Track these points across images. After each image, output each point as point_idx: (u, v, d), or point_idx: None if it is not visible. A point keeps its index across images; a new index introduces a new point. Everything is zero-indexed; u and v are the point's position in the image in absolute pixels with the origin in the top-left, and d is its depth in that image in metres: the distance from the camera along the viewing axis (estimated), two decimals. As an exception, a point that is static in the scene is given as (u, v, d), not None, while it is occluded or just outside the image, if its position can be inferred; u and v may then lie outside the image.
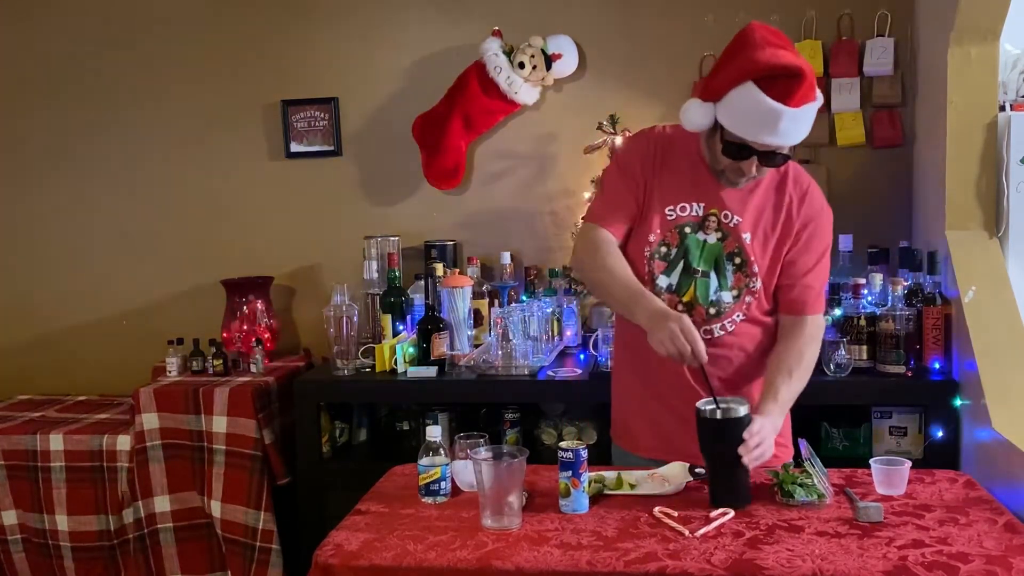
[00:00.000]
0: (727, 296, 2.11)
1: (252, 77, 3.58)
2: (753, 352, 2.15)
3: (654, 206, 2.14)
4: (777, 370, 2.08)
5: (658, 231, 2.13)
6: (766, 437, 1.92)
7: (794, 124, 1.93)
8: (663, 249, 2.14)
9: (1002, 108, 2.70)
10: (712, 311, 2.11)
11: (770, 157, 2.00)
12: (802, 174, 2.18)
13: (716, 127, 2.01)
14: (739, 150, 1.99)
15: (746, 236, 2.10)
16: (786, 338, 2.13)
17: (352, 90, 3.53)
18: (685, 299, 2.12)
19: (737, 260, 2.11)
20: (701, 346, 1.95)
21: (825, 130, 3.17)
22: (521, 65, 3.27)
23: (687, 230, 2.13)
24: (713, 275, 2.11)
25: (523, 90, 3.29)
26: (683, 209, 2.13)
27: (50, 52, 3.69)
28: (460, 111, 3.33)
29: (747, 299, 2.12)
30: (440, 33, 3.45)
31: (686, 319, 1.97)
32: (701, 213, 2.12)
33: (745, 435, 1.88)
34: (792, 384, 2.06)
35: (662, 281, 2.14)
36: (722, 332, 2.13)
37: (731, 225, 2.11)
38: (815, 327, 2.15)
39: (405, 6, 3.47)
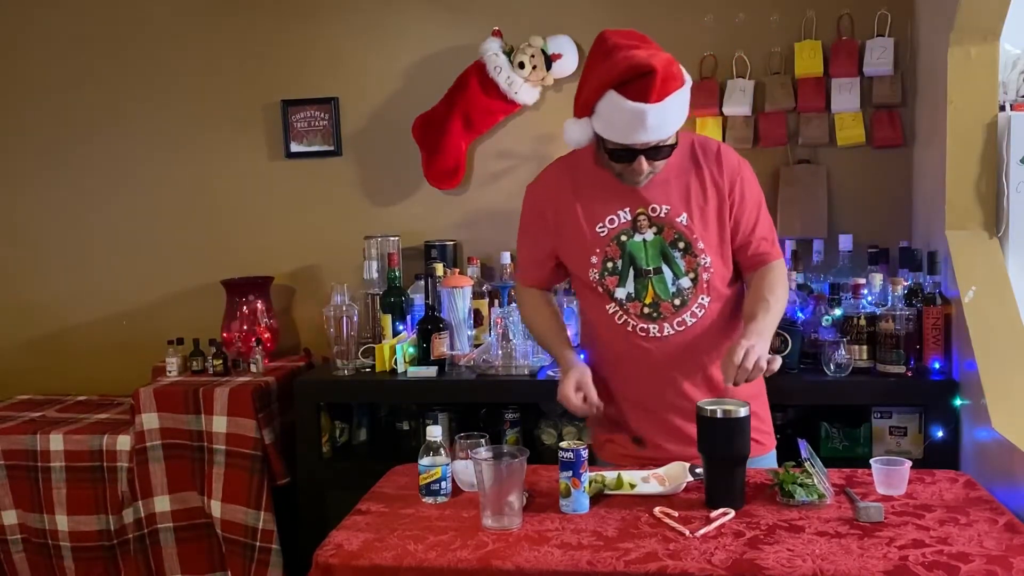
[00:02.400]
0: (685, 282, 2.14)
1: (252, 77, 3.58)
2: (728, 328, 2.18)
3: (582, 229, 2.18)
4: (754, 303, 2.12)
5: (597, 250, 2.17)
6: (750, 356, 1.96)
7: (661, 118, 1.99)
8: (609, 264, 2.17)
9: (1002, 108, 2.70)
10: (677, 302, 2.14)
11: (656, 151, 2.05)
12: (707, 140, 2.23)
13: (600, 138, 2.07)
14: (623, 154, 2.05)
15: (682, 219, 2.13)
16: (755, 280, 2.17)
17: (352, 90, 3.53)
18: (648, 301, 2.15)
19: (681, 245, 2.14)
20: (592, 394, 2.13)
21: (825, 130, 3.18)
22: (521, 65, 3.27)
23: (623, 238, 2.16)
24: (665, 268, 2.15)
25: (523, 90, 3.29)
26: (611, 221, 2.16)
27: (49, 51, 3.70)
28: (460, 111, 3.33)
29: (704, 277, 2.14)
30: (440, 33, 3.45)
31: (571, 377, 2.15)
32: (630, 217, 2.15)
33: (735, 359, 1.95)
34: (770, 312, 2.10)
35: (619, 293, 2.17)
36: (694, 320, 2.15)
37: (662, 216, 2.14)
38: (779, 270, 2.20)
39: (405, 6, 3.47)
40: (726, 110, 3.21)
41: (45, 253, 3.77)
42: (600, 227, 2.16)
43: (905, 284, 2.73)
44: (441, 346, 2.93)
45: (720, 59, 3.25)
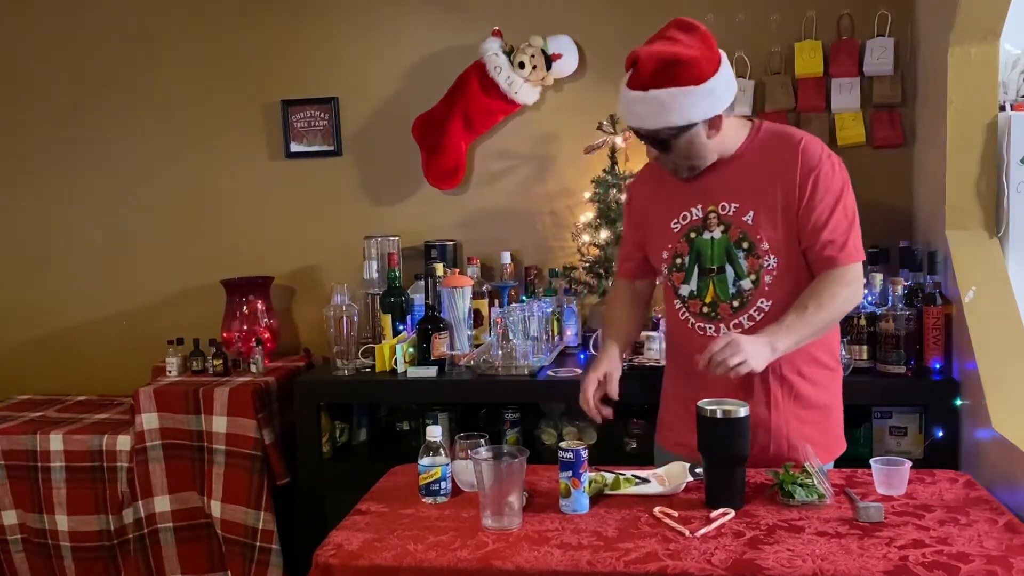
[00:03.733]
0: (747, 283, 2.10)
1: (252, 77, 3.58)
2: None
3: (659, 224, 2.20)
4: (794, 306, 2.03)
5: (669, 246, 2.18)
6: (732, 349, 1.90)
7: (645, 107, 2.00)
8: (678, 260, 2.17)
9: (1002, 108, 2.70)
10: (736, 303, 2.11)
11: (656, 141, 2.07)
12: (791, 133, 2.13)
13: None
14: (638, 136, 2.12)
15: (748, 217, 2.09)
16: (812, 284, 2.07)
17: (352, 90, 3.53)
18: (707, 300, 2.14)
19: (745, 245, 2.09)
20: (612, 390, 2.16)
21: (825, 130, 3.17)
22: (521, 65, 3.27)
23: (693, 235, 2.15)
24: (728, 268, 2.11)
25: (523, 90, 3.29)
26: (684, 217, 2.16)
27: (49, 51, 3.70)
28: (460, 111, 3.33)
29: (766, 279, 2.08)
30: (440, 33, 3.45)
31: (599, 367, 2.18)
32: (701, 214, 2.14)
33: (714, 345, 1.94)
34: (802, 319, 1.99)
35: (683, 290, 2.17)
36: (751, 323, 2.09)
37: (730, 214, 2.11)
38: (841, 276, 2.04)
39: (405, 6, 3.47)
40: (726, 110, 3.22)
41: (45, 253, 3.77)
42: (674, 223, 2.17)
43: (905, 284, 2.73)
44: (441, 346, 2.93)
45: (720, 59, 3.25)
